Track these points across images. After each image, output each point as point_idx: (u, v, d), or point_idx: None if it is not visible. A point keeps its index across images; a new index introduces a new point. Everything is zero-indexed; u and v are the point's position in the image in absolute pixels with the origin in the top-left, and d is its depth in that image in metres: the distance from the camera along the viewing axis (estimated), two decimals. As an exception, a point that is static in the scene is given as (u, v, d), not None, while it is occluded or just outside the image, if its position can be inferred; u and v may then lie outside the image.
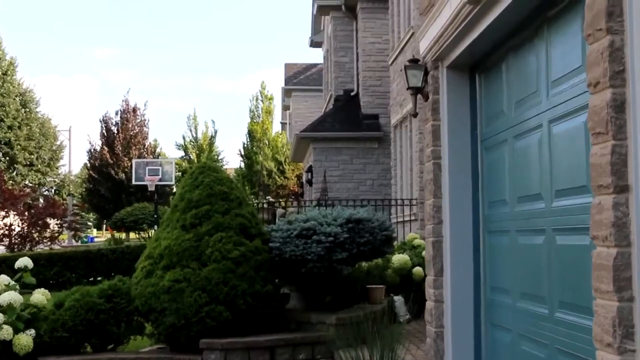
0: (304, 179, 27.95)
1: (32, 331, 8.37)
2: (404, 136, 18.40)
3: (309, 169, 23.63)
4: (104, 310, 8.75)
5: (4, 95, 43.03)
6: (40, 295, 8.91)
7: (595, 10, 3.49)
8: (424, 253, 11.46)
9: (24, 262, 9.25)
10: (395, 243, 11.36)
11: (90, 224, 54.71)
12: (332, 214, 9.57)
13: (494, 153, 6.32)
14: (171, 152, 62.95)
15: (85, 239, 44.35)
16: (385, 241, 9.82)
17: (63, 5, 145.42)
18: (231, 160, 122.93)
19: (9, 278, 8.82)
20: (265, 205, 19.52)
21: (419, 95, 7.19)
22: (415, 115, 7.63)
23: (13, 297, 8.27)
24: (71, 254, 18.00)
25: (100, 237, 56.83)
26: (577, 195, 4.53)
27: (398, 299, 11.02)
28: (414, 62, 7.20)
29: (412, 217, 16.29)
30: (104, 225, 54.23)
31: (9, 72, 44.56)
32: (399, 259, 11.63)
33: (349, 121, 22.52)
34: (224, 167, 58.03)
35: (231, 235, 8.99)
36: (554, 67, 4.99)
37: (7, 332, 8.10)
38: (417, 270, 11.63)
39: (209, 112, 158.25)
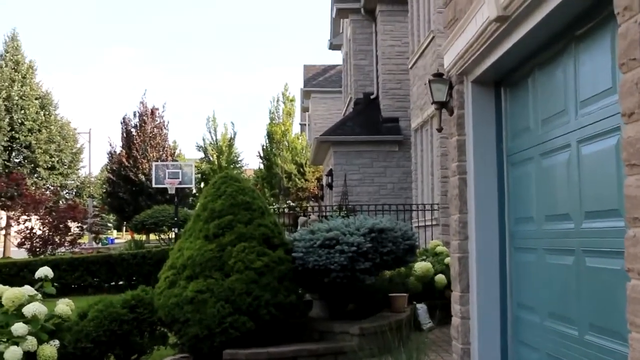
0: (324, 182, 27.90)
1: (56, 342, 8.39)
2: (424, 140, 18.32)
3: (329, 173, 23.58)
4: (127, 321, 8.78)
5: (24, 98, 43.25)
6: (64, 306, 8.94)
7: (629, 39, 3.43)
8: (446, 260, 11.45)
9: (44, 271, 9.28)
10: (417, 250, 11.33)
11: (110, 225, 54.92)
12: (354, 224, 9.55)
13: (520, 169, 6.26)
14: (190, 152, 63.13)
15: (105, 241, 44.65)
16: (408, 250, 9.80)
17: (81, 5, 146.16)
18: (250, 161, 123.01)
19: (32, 288, 8.86)
20: (286, 210, 19.53)
21: (443, 110, 7.13)
22: (440, 130, 7.57)
23: (37, 308, 8.29)
24: (92, 258, 18.13)
25: (120, 238, 57.11)
26: (607, 218, 4.48)
27: (421, 307, 10.98)
28: (438, 76, 7.14)
29: (434, 222, 16.23)
30: (124, 227, 54.47)
31: (27, 76, 44.74)
32: (421, 266, 11.59)
33: (369, 124, 22.43)
34: (243, 168, 58.18)
35: (254, 245, 8.97)
36: (582, 87, 4.93)
37: (31, 343, 8.13)
38: (440, 277, 11.59)
39: (226, 112, 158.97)
